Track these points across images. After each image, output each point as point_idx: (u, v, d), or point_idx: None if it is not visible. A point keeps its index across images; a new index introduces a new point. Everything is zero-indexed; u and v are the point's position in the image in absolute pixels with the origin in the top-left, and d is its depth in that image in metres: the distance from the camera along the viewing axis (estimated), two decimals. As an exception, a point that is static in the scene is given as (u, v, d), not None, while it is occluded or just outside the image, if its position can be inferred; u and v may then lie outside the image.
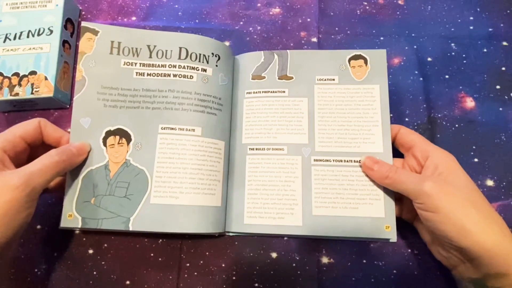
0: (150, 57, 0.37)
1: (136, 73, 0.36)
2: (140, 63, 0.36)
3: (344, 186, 0.35)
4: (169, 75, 0.36)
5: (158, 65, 0.37)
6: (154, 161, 0.34)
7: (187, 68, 0.37)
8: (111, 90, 0.35)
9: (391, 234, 0.33)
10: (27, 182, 0.27)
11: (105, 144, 0.34)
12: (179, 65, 0.37)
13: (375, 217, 0.34)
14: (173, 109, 0.36)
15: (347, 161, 0.35)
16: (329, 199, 0.35)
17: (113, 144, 0.34)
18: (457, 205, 0.28)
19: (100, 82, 0.35)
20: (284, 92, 0.38)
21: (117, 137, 0.35)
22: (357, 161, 0.35)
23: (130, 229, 0.33)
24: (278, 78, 0.39)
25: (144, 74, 0.36)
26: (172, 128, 0.35)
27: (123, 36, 0.37)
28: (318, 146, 0.36)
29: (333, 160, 0.36)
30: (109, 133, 0.35)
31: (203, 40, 0.38)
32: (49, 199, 0.37)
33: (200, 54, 0.37)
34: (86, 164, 0.34)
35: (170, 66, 0.37)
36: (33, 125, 0.32)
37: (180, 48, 0.37)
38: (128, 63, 0.36)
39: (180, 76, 0.36)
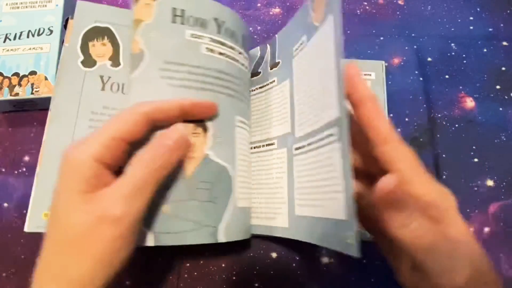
0: (219, 32, 0.30)
1: (206, 48, 0.29)
2: (210, 38, 0.29)
3: (323, 174, 0.25)
4: (237, 60, 0.31)
5: (228, 45, 0.30)
6: (235, 157, 0.29)
7: (245, 60, 0.33)
8: (176, 66, 0.28)
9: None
10: (129, 209, 0.21)
11: None
12: (242, 54, 0.32)
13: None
14: (243, 101, 0.31)
15: (326, 137, 0.25)
16: (309, 195, 0.27)
17: None
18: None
19: (163, 57, 0.28)
20: (274, 81, 0.35)
21: (190, 125, 0.27)
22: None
23: (219, 240, 0.27)
24: (270, 69, 0.36)
25: (215, 51, 0.29)
26: (246, 123, 0.32)
27: (188, 2, 0.29)
28: (298, 130, 0.30)
29: (311, 143, 0.27)
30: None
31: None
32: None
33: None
34: None
35: (239, 52, 0.31)
36: (135, 121, 0.23)
37: (243, 36, 0.32)
38: (195, 36, 0.29)
39: (243, 65, 0.32)
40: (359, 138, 0.24)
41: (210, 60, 0.29)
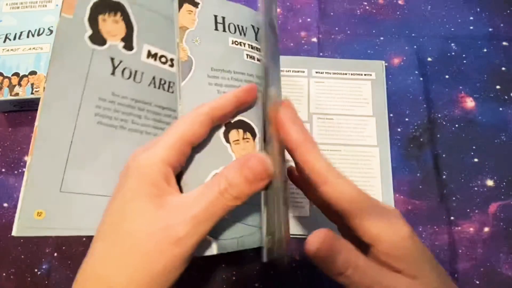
0: (256, 39, 0.30)
1: (247, 55, 0.29)
2: (249, 45, 0.30)
3: None
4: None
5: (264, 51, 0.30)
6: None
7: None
8: (223, 73, 0.28)
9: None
10: (194, 231, 0.20)
11: (227, 140, 0.27)
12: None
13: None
14: None
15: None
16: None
17: (237, 140, 0.27)
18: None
19: (210, 64, 0.28)
20: None
21: (240, 130, 0.27)
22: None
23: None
24: None
25: (254, 58, 0.30)
26: None
27: (228, 10, 0.30)
28: None
29: None
30: (229, 126, 0.27)
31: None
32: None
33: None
34: (205, 166, 0.25)
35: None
36: (200, 122, 0.23)
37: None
38: (236, 42, 0.29)
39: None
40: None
41: (251, 66, 0.29)
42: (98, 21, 0.27)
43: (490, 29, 0.44)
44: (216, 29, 0.29)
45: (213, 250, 0.24)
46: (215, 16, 0.29)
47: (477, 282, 0.35)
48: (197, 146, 0.24)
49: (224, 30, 0.29)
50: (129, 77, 0.28)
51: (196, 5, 0.29)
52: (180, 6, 0.28)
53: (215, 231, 0.24)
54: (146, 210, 0.20)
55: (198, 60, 0.28)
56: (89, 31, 0.27)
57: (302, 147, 0.22)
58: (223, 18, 0.29)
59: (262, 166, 0.21)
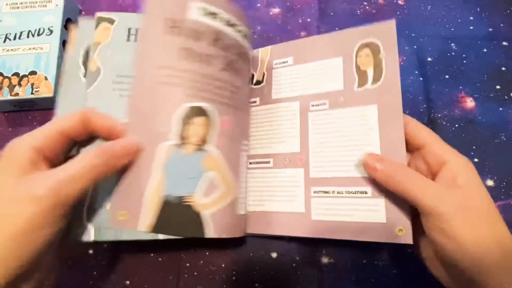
0: None
1: None
2: None
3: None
4: None
5: None
6: None
7: None
8: (128, 79, 0.31)
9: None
10: (55, 191, 0.22)
11: None
12: None
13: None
14: None
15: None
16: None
17: None
18: (478, 238, 0.23)
19: (116, 71, 0.32)
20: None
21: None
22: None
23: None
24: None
25: None
26: None
27: (139, 22, 0.32)
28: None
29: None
30: None
31: None
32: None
33: None
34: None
35: None
36: (77, 118, 0.26)
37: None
38: None
39: None
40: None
41: None
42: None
43: (490, 29, 0.44)
44: (128, 40, 0.33)
45: (90, 236, 0.29)
46: (129, 29, 0.33)
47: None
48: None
49: (135, 40, 0.33)
50: None
51: (112, 22, 0.33)
52: (98, 25, 0.33)
53: (94, 220, 0.28)
54: (8, 183, 0.22)
55: (105, 69, 0.32)
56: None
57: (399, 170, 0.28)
58: (137, 29, 0.33)
59: (128, 142, 0.26)
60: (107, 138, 0.27)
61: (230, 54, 0.31)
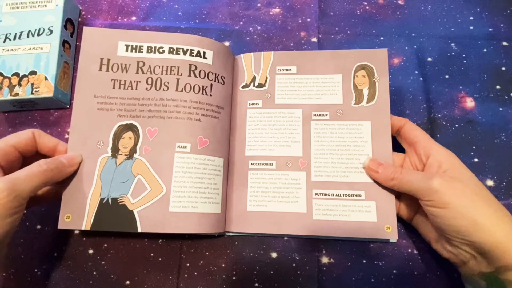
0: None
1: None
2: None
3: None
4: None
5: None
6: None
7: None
8: None
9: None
10: (13, 187, 0.27)
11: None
12: None
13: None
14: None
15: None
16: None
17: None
18: (467, 200, 0.28)
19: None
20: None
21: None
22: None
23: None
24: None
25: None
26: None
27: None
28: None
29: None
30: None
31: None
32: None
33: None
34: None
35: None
36: (27, 135, 0.32)
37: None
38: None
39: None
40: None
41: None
42: None
43: (490, 29, 0.44)
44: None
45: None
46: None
47: (477, 282, 0.35)
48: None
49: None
50: None
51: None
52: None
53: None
54: None
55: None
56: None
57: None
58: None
59: (73, 156, 0.33)
60: (52, 155, 0.33)
61: (154, 74, 0.36)
